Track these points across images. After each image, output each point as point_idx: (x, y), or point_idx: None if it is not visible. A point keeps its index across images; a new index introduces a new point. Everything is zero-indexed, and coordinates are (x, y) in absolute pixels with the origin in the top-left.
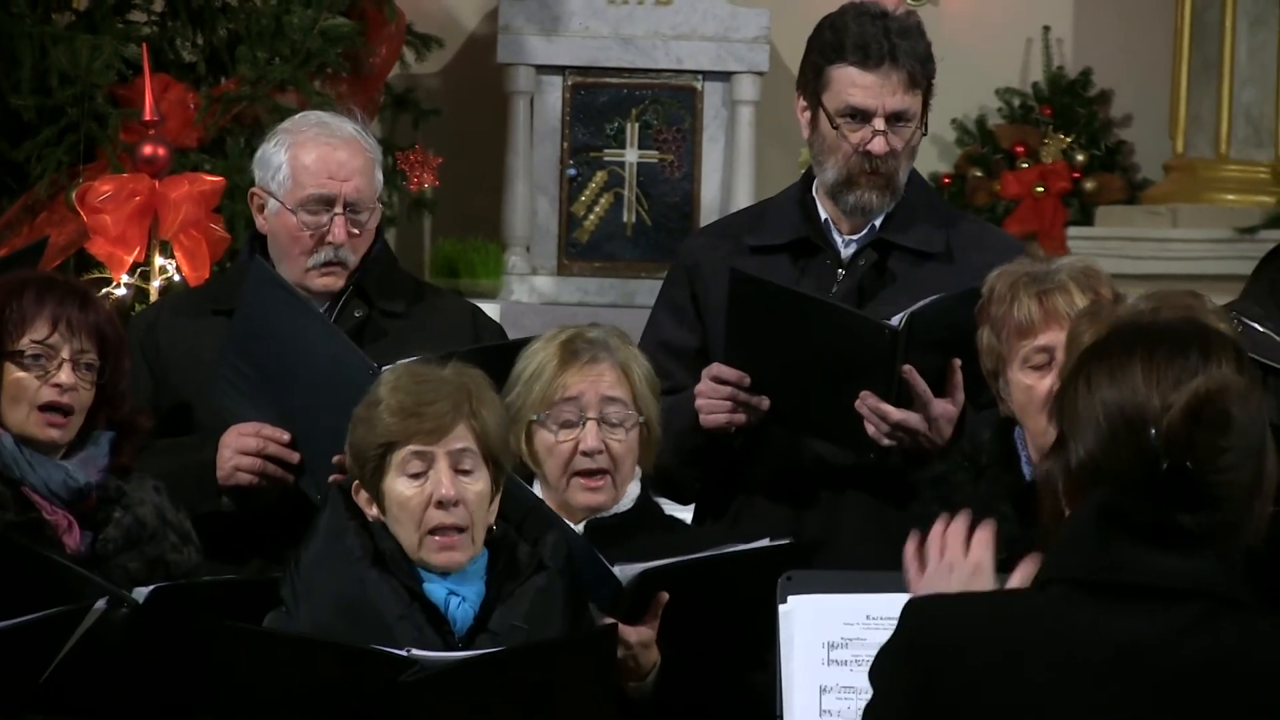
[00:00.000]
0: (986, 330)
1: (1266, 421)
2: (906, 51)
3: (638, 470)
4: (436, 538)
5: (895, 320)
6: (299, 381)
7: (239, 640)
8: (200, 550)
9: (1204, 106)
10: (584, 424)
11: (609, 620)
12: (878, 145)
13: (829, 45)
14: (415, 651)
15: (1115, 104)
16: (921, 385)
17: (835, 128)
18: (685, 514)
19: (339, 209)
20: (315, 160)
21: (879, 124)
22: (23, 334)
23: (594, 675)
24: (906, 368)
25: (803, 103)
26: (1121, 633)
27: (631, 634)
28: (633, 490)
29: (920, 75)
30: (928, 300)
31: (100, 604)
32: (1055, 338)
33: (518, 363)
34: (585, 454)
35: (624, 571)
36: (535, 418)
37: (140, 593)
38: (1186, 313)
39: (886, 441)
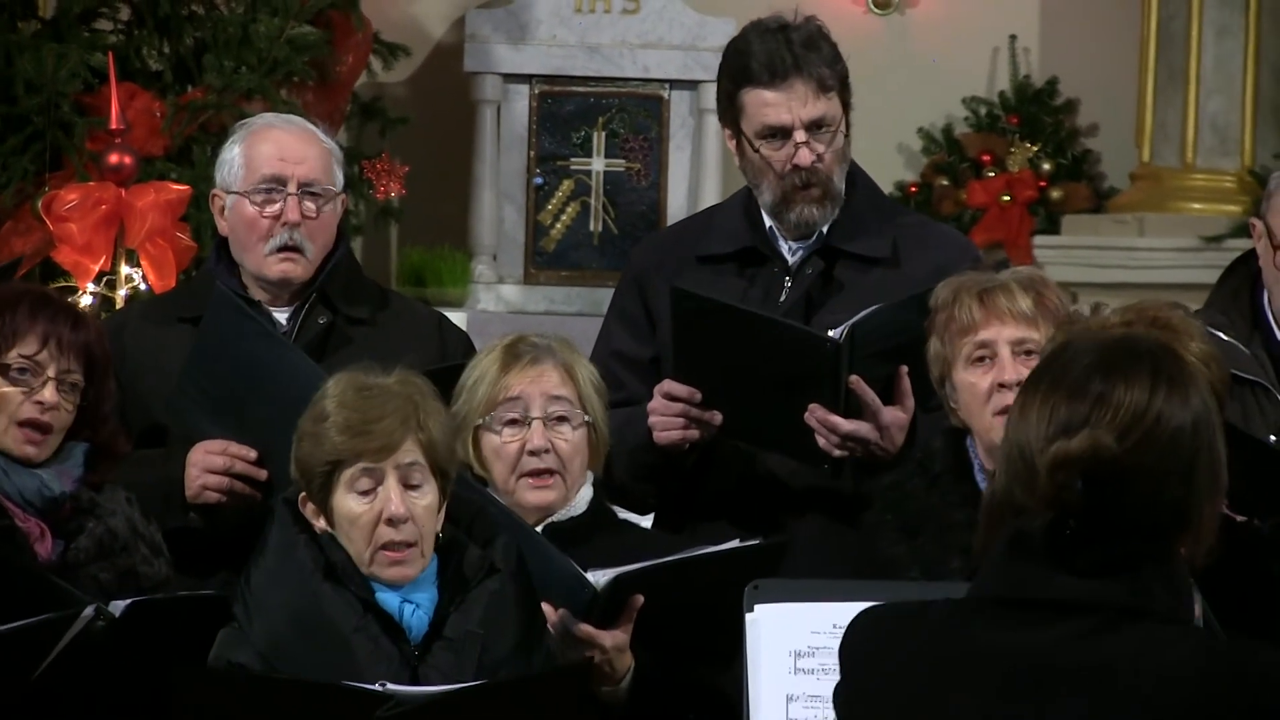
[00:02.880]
0: (934, 339)
1: (1197, 432)
2: (811, 59)
3: (589, 474)
4: (387, 553)
5: (835, 333)
6: (263, 401)
7: (210, 682)
8: (170, 563)
9: (1170, 115)
10: (529, 423)
11: (581, 628)
12: (802, 157)
13: (736, 70)
14: (390, 686)
15: (1082, 113)
16: (870, 395)
17: (757, 151)
18: (645, 522)
19: (292, 189)
20: (269, 145)
21: (799, 136)
22: (11, 347)
23: (571, 709)
24: (854, 378)
25: (727, 131)
26: (1015, 642)
27: (606, 638)
28: (585, 493)
29: (830, 79)
30: (867, 311)
31: (89, 610)
32: (996, 333)
33: (464, 374)
34: (532, 453)
35: (598, 577)
36: (480, 421)
37: (117, 606)
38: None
39: (838, 452)
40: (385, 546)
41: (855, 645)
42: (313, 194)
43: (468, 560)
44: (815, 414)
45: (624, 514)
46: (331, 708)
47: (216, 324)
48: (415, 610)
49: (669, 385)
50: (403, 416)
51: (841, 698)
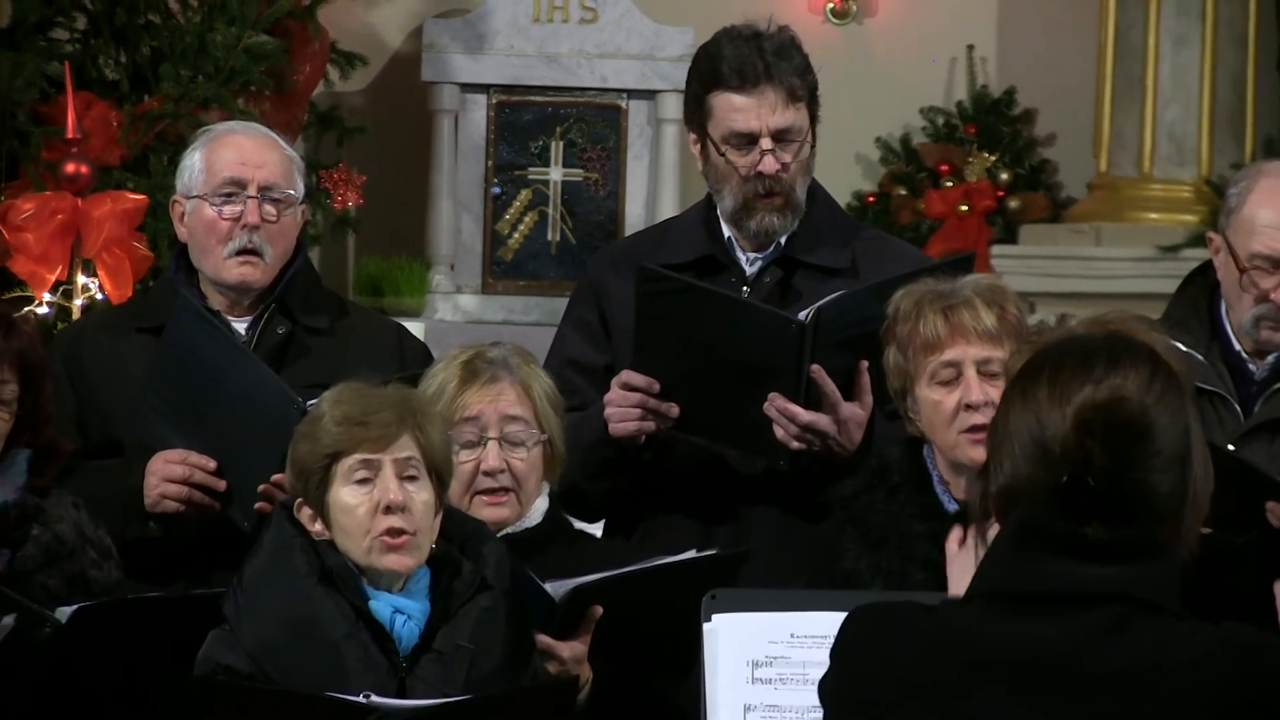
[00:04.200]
0: (893, 350)
1: (1189, 430)
2: (782, 68)
3: (545, 485)
4: (386, 539)
5: (802, 315)
6: (223, 412)
7: (194, 691)
8: (121, 566)
9: (1127, 125)
10: (485, 443)
11: (541, 640)
12: (767, 165)
13: (706, 74)
14: (374, 698)
15: (1039, 123)
16: (830, 386)
17: (722, 155)
18: (594, 531)
19: (253, 192)
20: (230, 150)
21: (765, 144)
22: None
23: None
24: (815, 368)
25: (692, 135)
26: (1033, 639)
27: (564, 649)
28: (541, 505)
29: (800, 89)
30: (834, 295)
31: (8, 620)
32: (961, 352)
33: (420, 384)
34: (487, 474)
35: (557, 588)
36: None
37: (63, 612)
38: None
39: (796, 444)
40: (384, 533)
41: (854, 640)
42: (273, 199)
43: (460, 575)
44: (775, 403)
45: (580, 525)
46: (315, 718)
47: (179, 332)
48: (406, 621)
49: (627, 375)
50: (400, 414)
51: (834, 693)
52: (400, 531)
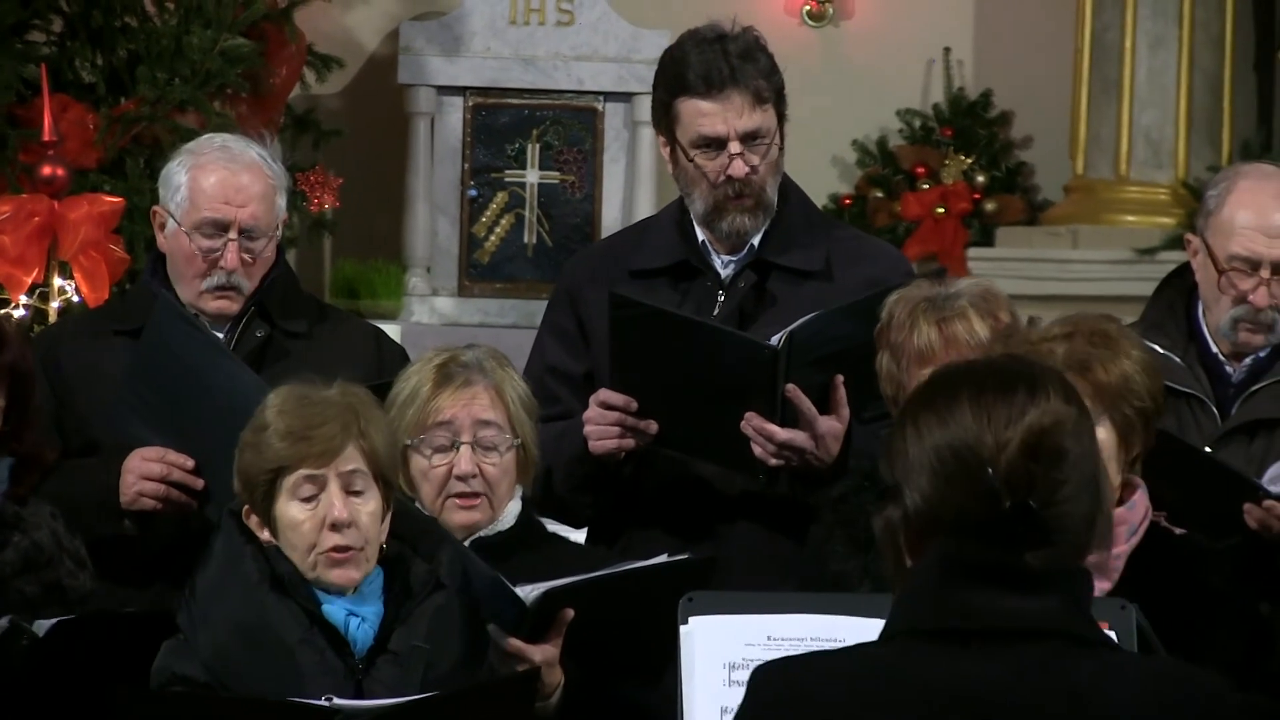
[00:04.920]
0: (886, 355)
1: (1098, 455)
2: (748, 71)
3: (518, 488)
4: (331, 555)
5: (774, 340)
6: (203, 412)
7: (152, 703)
8: (94, 576)
9: (1104, 128)
10: (458, 448)
11: (511, 643)
12: (736, 169)
13: (672, 79)
14: (336, 700)
15: (1016, 125)
16: (806, 403)
17: (691, 160)
18: (578, 536)
19: (233, 234)
20: (214, 184)
21: (734, 148)
22: None
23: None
24: (790, 387)
25: (661, 139)
26: (966, 679)
27: (536, 653)
28: (513, 508)
29: (766, 90)
30: (805, 319)
31: (3, 621)
32: (954, 360)
33: (394, 386)
34: (459, 478)
35: (527, 592)
36: (409, 442)
37: (42, 625)
38: (1092, 337)
39: (774, 461)
40: (329, 550)
41: (770, 703)
42: (253, 238)
43: (414, 575)
44: (752, 422)
45: (555, 527)
46: None
47: (159, 332)
48: (361, 624)
49: (605, 394)
50: (344, 423)
51: None
52: (346, 548)
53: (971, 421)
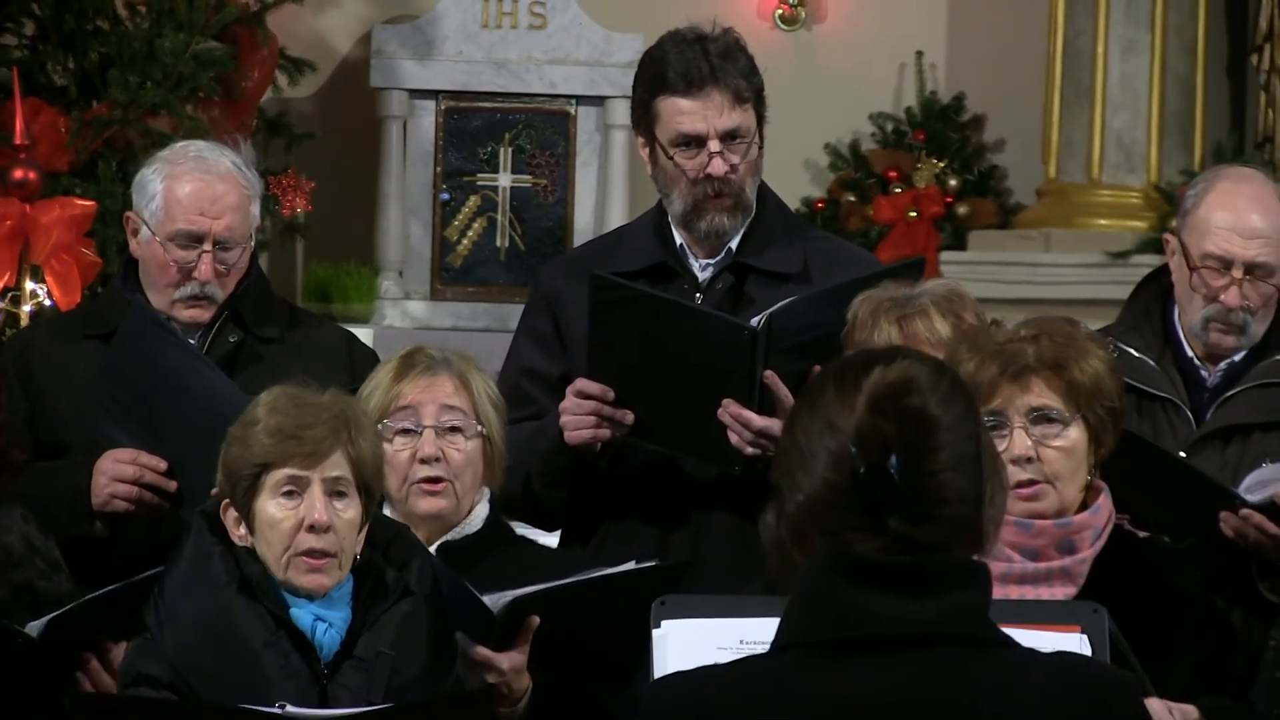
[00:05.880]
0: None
1: (981, 431)
2: (728, 70)
3: (485, 491)
4: (305, 560)
5: (754, 321)
6: (176, 415)
7: (106, 709)
8: (70, 578)
9: (1076, 131)
10: (421, 431)
11: (479, 651)
12: (716, 167)
13: (652, 78)
14: (290, 708)
15: (988, 129)
16: (783, 391)
17: (671, 159)
18: (549, 540)
19: (207, 246)
20: (189, 194)
21: (714, 146)
22: None
23: None
24: (768, 374)
25: (640, 140)
26: (862, 689)
27: (503, 660)
28: (481, 510)
29: (746, 90)
30: (786, 302)
31: None
32: None
33: (362, 384)
34: (423, 461)
35: (495, 600)
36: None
37: (34, 627)
38: (1054, 339)
39: (750, 450)
40: (304, 553)
41: (663, 715)
42: (227, 248)
43: (383, 582)
44: (729, 409)
45: (524, 530)
46: None
47: (132, 336)
48: (328, 629)
49: (581, 383)
50: (334, 428)
51: None
52: (321, 554)
53: (833, 399)
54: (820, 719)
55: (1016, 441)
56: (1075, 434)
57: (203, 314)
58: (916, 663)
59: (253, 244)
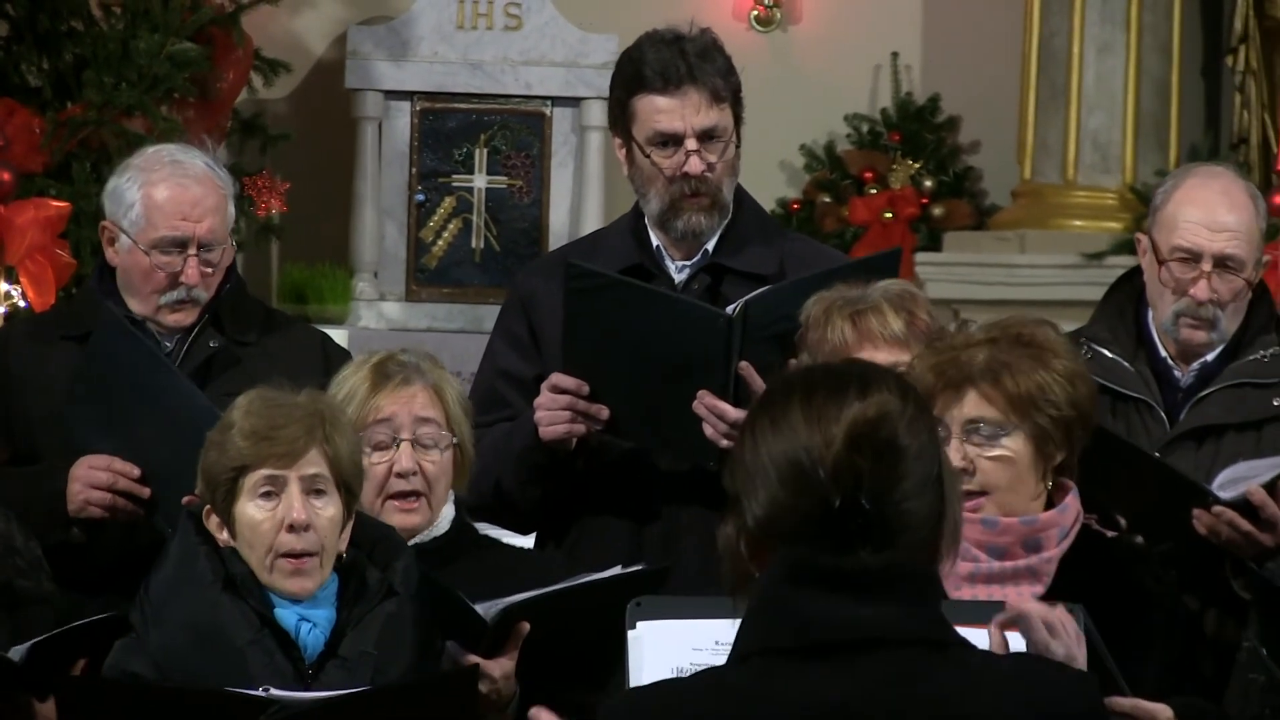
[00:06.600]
0: (804, 356)
1: (940, 450)
2: (705, 69)
3: (451, 493)
4: (287, 562)
5: (729, 309)
6: (148, 422)
7: (94, 692)
8: (52, 578)
9: (1052, 133)
10: (397, 445)
11: (470, 659)
12: (693, 165)
13: (630, 77)
14: (274, 691)
15: (963, 130)
16: (758, 382)
17: (648, 157)
18: (515, 541)
19: (192, 250)
20: (169, 201)
21: (691, 144)
22: None
23: (456, 715)
24: (743, 365)
25: (617, 140)
26: (824, 695)
27: (494, 668)
28: (447, 512)
29: (723, 90)
30: (762, 290)
31: None
32: (869, 357)
33: (329, 389)
34: (399, 475)
35: (487, 609)
36: None
37: (17, 651)
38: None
39: (725, 443)
40: (286, 554)
41: None
42: (210, 250)
43: (367, 582)
44: (704, 400)
45: (489, 530)
46: (216, 714)
47: (104, 344)
48: (312, 629)
49: (556, 378)
50: (308, 426)
51: None
52: (302, 554)
53: (802, 424)
54: None
55: (953, 453)
56: (1014, 444)
57: (187, 317)
58: (878, 666)
59: (232, 243)
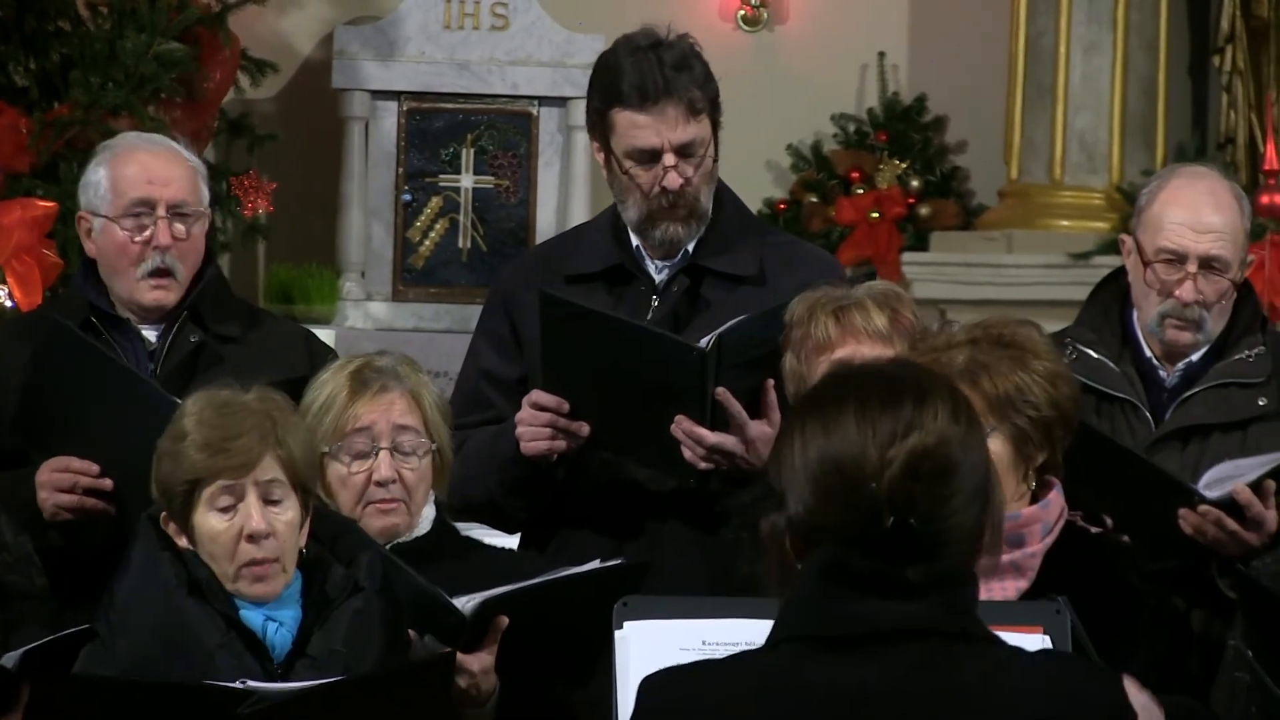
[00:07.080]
0: (789, 355)
1: (989, 464)
2: (682, 81)
3: (431, 494)
4: (251, 569)
5: (703, 342)
6: (107, 423)
7: (68, 690)
8: (44, 574)
9: (1038, 132)
10: (376, 454)
11: (446, 649)
12: (671, 181)
13: (606, 87)
14: (250, 683)
15: (950, 130)
16: (736, 407)
17: (625, 173)
18: (509, 542)
19: (162, 212)
20: (135, 168)
21: (669, 160)
22: None
23: (432, 703)
24: (720, 390)
25: (595, 145)
26: (852, 682)
27: (473, 662)
28: (428, 513)
29: (700, 101)
30: (734, 321)
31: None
32: (853, 351)
33: (306, 394)
34: (379, 484)
35: (464, 603)
36: (327, 449)
37: (10, 658)
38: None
39: (704, 465)
40: (248, 564)
41: (659, 708)
42: (182, 215)
43: (332, 579)
44: (681, 425)
45: (469, 530)
46: (193, 708)
47: (48, 355)
48: (279, 629)
49: (537, 395)
50: (261, 433)
51: None
52: (263, 561)
53: (855, 434)
54: (811, 708)
55: None
56: (993, 445)
57: (167, 295)
58: (906, 655)
59: (206, 218)
